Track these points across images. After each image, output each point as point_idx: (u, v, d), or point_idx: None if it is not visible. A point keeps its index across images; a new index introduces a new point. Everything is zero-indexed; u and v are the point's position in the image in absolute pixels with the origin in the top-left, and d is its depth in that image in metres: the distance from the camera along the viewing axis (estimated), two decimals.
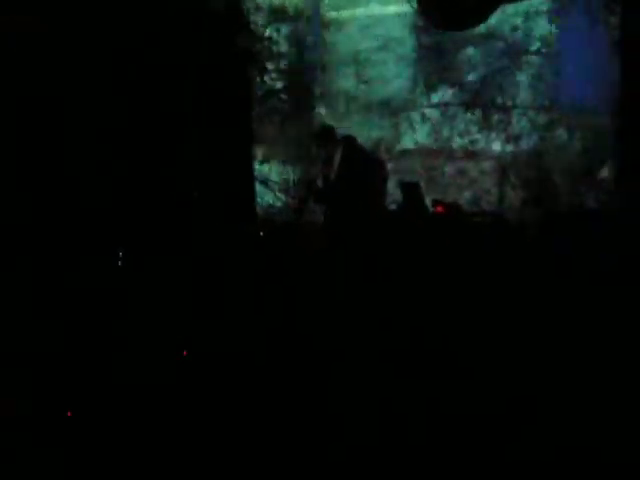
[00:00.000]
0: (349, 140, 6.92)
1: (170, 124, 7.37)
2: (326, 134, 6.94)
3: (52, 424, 4.05)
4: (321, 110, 8.91)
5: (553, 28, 7.91)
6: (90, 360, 4.82)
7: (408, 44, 8.41)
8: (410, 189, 7.13)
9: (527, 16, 7.96)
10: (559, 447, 3.75)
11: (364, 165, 6.74)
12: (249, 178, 8.27)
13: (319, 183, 6.88)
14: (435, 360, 4.79)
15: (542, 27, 7.95)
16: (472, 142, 8.23)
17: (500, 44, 8.01)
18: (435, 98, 8.37)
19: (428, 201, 7.23)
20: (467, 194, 8.10)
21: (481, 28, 7.86)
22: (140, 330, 5.31)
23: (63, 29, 6.75)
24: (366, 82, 8.65)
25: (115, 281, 6.45)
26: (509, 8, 7.91)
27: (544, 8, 7.97)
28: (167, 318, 5.54)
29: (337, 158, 6.74)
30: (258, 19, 8.67)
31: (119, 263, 6.61)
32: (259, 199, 8.97)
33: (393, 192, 7.32)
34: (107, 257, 6.65)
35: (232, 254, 6.81)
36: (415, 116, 8.46)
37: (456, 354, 4.89)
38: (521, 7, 7.95)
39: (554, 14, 7.93)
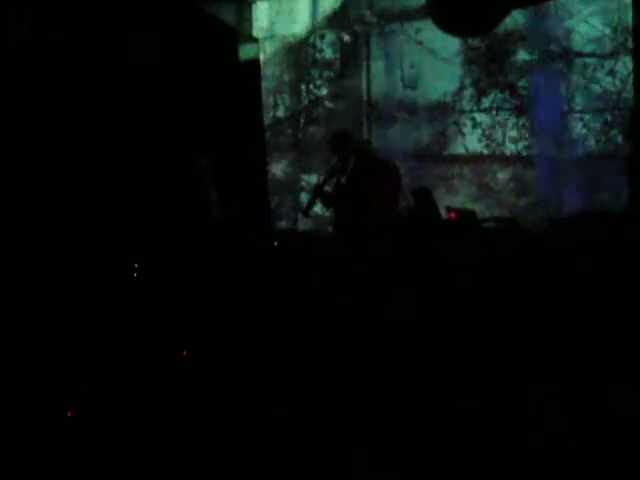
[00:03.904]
0: (363, 145, 6.81)
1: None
2: (341, 139, 6.80)
3: None
4: (365, 117, 8.79)
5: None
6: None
7: (456, 47, 8.24)
8: (422, 196, 7.04)
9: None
10: None
11: (376, 171, 6.62)
12: (264, 189, 8.24)
13: (327, 187, 6.77)
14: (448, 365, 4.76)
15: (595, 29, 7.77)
16: (525, 147, 8.06)
17: (553, 47, 7.82)
18: (485, 103, 8.20)
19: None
20: (521, 201, 7.94)
21: (535, 30, 7.73)
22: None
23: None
24: (413, 87, 8.50)
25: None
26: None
27: None
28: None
29: (351, 163, 6.65)
30: None
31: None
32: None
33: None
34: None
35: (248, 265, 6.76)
36: (464, 121, 8.30)
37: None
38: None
39: None
